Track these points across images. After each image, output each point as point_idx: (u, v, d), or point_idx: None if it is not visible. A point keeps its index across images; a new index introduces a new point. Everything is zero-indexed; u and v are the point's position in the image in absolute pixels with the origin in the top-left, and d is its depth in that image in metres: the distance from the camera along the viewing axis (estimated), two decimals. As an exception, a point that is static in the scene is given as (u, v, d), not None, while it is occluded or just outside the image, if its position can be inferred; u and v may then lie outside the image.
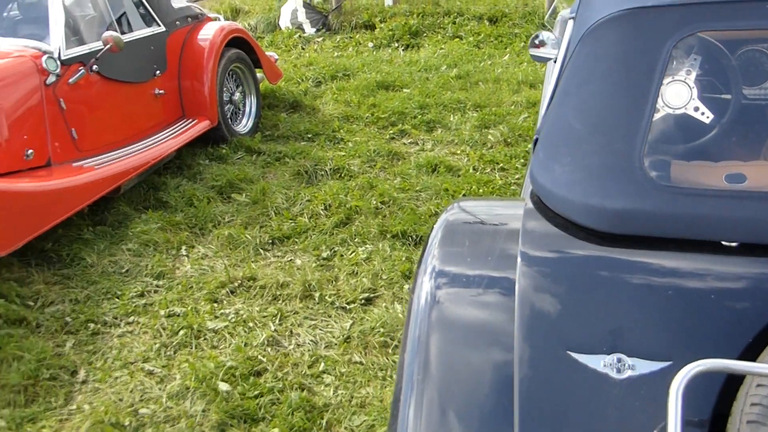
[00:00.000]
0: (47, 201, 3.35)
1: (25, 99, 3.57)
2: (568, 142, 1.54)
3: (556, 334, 1.28)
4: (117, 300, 3.16)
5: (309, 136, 5.12)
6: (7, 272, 3.35)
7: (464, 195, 3.91)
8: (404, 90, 6.02)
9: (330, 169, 4.42)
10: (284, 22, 9.13)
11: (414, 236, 3.51)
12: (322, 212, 3.85)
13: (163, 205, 4.11)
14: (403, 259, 3.30)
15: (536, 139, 1.76)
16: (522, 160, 4.35)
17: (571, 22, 2.11)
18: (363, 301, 3.02)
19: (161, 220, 3.86)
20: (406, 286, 3.10)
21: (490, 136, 4.80)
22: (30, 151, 3.56)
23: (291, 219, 3.80)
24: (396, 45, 7.88)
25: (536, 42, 2.62)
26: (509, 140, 4.71)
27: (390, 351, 2.71)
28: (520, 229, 1.49)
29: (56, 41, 3.71)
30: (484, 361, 1.33)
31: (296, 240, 3.60)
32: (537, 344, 1.27)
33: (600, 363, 1.22)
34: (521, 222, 1.52)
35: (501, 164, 4.33)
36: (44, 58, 3.61)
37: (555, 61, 2.62)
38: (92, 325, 2.98)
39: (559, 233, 1.47)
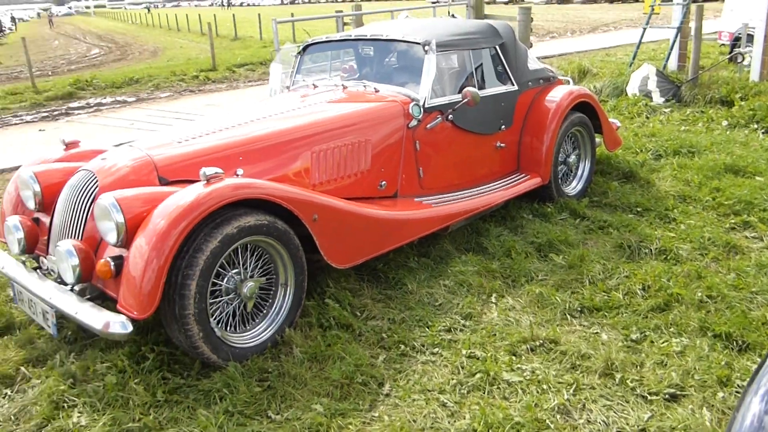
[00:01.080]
0: (390, 228, 3.81)
1: (389, 137, 4.12)
2: None
3: None
4: (427, 329, 3.44)
5: (638, 209, 4.95)
6: (345, 282, 3.88)
7: (813, 309, 3.40)
8: (757, 178, 5.45)
9: (655, 248, 4.22)
10: (632, 89, 8.96)
11: (740, 341, 3.17)
12: (639, 291, 3.70)
13: (482, 250, 4.35)
14: (723, 363, 3.00)
15: None
16: None
17: None
18: (667, 395, 2.83)
19: (478, 264, 4.09)
20: (721, 394, 2.81)
21: None
22: (383, 182, 4.10)
23: (605, 291, 3.72)
24: (755, 126, 7.17)
25: None
26: None
27: (689, 459, 2.50)
28: None
29: (424, 92, 4.22)
30: None
31: (606, 314, 3.51)
32: None
33: None
34: None
35: None
36: (411, 104, 4.14)
37: None
38: (402, 347, 3.29)
39: None
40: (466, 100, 4.24)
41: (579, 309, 3.57)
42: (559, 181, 5.19)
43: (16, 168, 6.16)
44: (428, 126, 4.27)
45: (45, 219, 3.55)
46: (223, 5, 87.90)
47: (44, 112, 11.99)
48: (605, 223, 4.70)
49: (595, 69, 11.07)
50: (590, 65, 11.35)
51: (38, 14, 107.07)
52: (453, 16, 9.60)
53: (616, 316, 3.49)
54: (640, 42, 10.52)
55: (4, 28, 46.82)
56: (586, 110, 5.39)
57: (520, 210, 4.96)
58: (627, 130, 7.15)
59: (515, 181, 4.90)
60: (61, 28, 57.51)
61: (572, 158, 5.35)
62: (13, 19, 60.96)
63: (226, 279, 3.11)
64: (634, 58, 10.45)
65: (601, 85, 9.35)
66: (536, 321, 3.46)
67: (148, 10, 65.05)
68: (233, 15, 32.12)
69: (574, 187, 5.37)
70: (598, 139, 5.66)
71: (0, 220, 3.84)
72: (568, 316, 3.51)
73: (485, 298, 3.73)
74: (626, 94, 8.91)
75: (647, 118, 7.80)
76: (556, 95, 5.11)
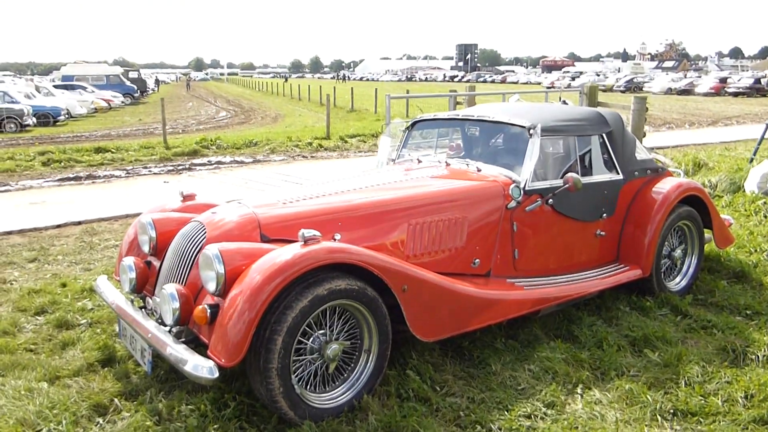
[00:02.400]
0: (479, 306, 3.79)
1: (486, 216, 4.15)
2: None
3: None
4: (506, 413, 3.35)
5: (748, 312, 4.66)
6: (428, 355, 3.88)
7: None
8: None
9: (763, 355, 3.93)
10: (751, 186, 8.54)
11: None
12: (740, 399, 3.45)
13: (572, 338, 4.22)
14: (832, 491, 2.73)
15: None
16: None
17: None
18: None
19: (567, 352, 3.97)
20: None
21: None
22: (477, 260, 4.11)
23: (702, 395, 3.50)
24: None
25: None
26: None
27: None
28: None
29: (525, 174, 4.25)
30: None
31: (701, 419, 3.29)
32: None
33: None
34: None
35: None
36: (512, 186, 4.17)
37: None
38: (479, 427, 3.22)
39: None
40: (567, 185, 4.22)
41: (671, 411, 3.37)
42: (662, 275, 4.99)
43: (139, 214, 6.67)
44: (527, 208, 4.26)
45: (156, 263, 3.82)
46: (338, 79, 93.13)
47: (170, 165, 12.93)
48: (709, 323, 4.45)
49: (711, 163, 10.65)
50: (706, 158, 10.94)
51: (177, 78, 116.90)
52: (564, 102, 9.65)
53: (713, 423, 3.26)
54: (762, 137, 10.10)
55: (148, 89, 51.39)
56: (696, 204, 5.21)
57: (617, 301, 4.79)
58: (741, 227, 6.81)
59: (614, 271, 4.76)
60: (196, 91, 62.42)
61: (678, 252, 5.14)
62: (156, 81, 66.98)
63: (312, 338, 3.20)
64: (755, 154, 10.01)
65: (717, 180, 8.97)
66: (623, 418, 3.30)
67: (286, 80, 69.82)
68: (351, 88, 33.66)
69: (677, 282, 5.14)
70: (707, 235, 5.43)
71: (117, 259, 4.18)
72: (659, 418, 3.32)
73: (570, 388, 3.60)
74: (744, 191, 8.50)
75: (765, 216, 7.38)
76: (664, 187, 4.98)
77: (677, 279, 5.18)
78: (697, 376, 3.70)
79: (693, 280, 5.19)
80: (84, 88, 34.16)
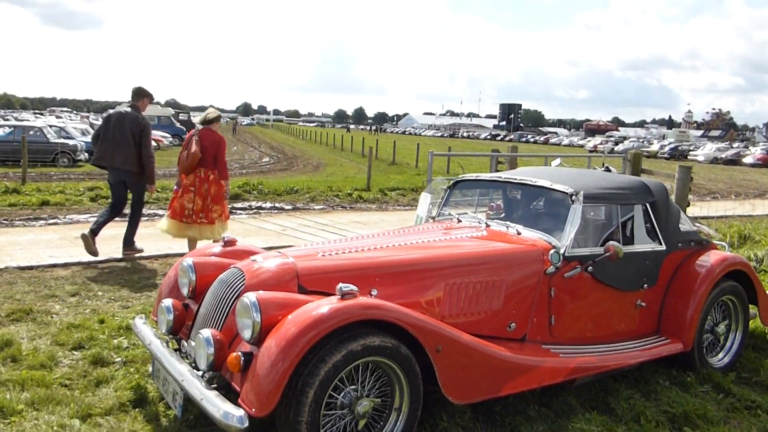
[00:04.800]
0: (514, 371, 3.72)
1: (524, 280, 4.11)
2: None
3: None
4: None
5: (794, 396, 4.48)
6: (459, 418, 3.80)
7: None
8: None
9: (810, 444, 3.77)
10: (799, 263, 8.30)
11: None
12: (784, 490, 3.30)
13: (609, 411, 4.10)
14: None
15: None
16: None
17: None
18: None
19: (603, 425, 3.85)
20: None
21: None
22: (513, 324, 4.06)
23: (743, 483, 3.36)
24: None
25: None
26: None
27: None
28: None
29: (565, 240, 4.21)
30: None
31: None
32: None
33: None
34: None
35: None
36: (551, 251, 4.13)
37: None
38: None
39: None
40: (608, 254, 4.16)
41: (710, 497, 3.23)
42: (704, 350, 4.85)
43: (178, 255, 6.78)
44: (566, 275, 4.21)
45: (193, 306, 3.87)
46: (372, 131, 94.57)
47: (212, 208, 13.14)
48: (753, 403, 4.29)
49: (757, 236, 10.42)
50: (753, 231, 10.71)
51: (225, 121, 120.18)
52: (608, 168, 9.57)
53: None
54: (812, 214, 9.84)
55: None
56: (740, 279, 5.08)
57: (656, 374, 4.65)
58: (789, 307, 6.58)
59: (654, 343, 4.64)
60: (242, 135, 63.99)
61: (721, 328, 5.00)
62: (203, 124, 68.71)
63: (343, 393, 3.18)
64: (804, 231, 9.74)
65: (763, 254, 8.74)
66: (660, 501, 3.17)
67: (348, 130, 70.71)
68: (394, 142, 34.08)
69: (720, 359, 4.98)
70: (753, 311, 5.27)
71: (156, 300, 4.25)
72: (698, 503, 3.18)
73: (605, 464, 3.48)
74: (791, 268, 8.26)
75: (814, 297, 7.14)
76: (708, 260, 4.88)
77: (720, 355, 5.02)
78: (739, 461, 3.55)
79: (737, 357, 5.03)
80: (135, 128, 35.21)
